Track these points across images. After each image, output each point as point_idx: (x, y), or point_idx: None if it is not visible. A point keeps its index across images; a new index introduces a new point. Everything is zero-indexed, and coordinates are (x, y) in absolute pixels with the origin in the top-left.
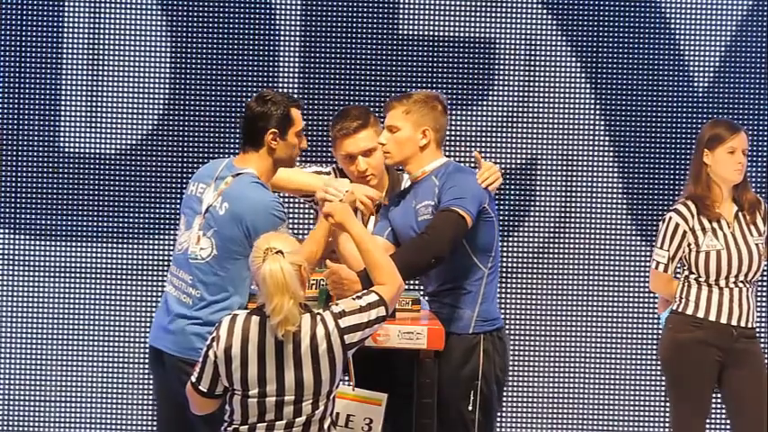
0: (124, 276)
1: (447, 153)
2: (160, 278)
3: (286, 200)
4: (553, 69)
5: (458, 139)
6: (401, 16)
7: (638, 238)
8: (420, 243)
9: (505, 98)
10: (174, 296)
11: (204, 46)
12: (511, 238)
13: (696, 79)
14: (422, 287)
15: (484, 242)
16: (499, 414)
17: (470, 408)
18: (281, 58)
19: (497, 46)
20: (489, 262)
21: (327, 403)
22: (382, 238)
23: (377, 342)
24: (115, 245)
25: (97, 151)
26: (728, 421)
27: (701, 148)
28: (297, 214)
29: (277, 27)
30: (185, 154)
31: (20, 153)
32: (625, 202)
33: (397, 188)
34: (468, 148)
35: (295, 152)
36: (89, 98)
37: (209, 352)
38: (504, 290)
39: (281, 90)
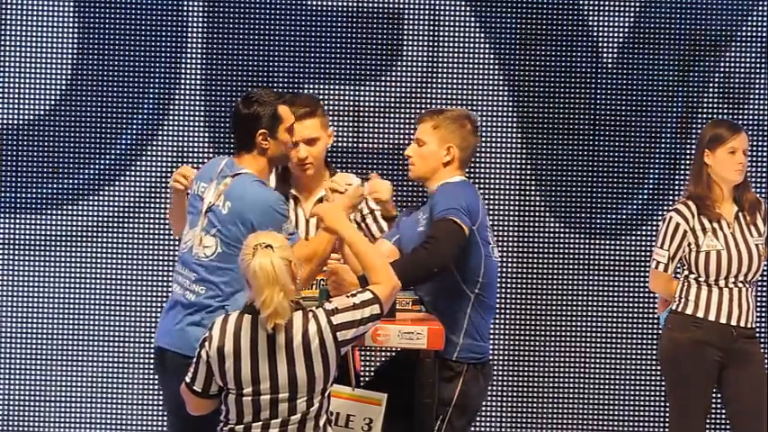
0: (38, 248)
1: (352, 125)
2: (77, 249)
3: None
4: (459, 43)
5: (361, 113)
6: None
7: (548, 215)
8: (422, 253)
9: (410, 72)
10: (179, 294)
11: (110, 14)
12: None
13: (603, 53)
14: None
15: (470, 265)
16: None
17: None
18: (188, 27)
19: (404, 18)
20: (476, 288)
21: (322, 400)
22: (389, 243)
23: (377, 342)
24: (20, 216)
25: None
26: (728, 421)
27: (702, 149)
28: None
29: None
30: (92, 125)
31: None
32: (532, 178)
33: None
34: (370, 123)
35: (288, 148)
36: None
37: (202, 352)
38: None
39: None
